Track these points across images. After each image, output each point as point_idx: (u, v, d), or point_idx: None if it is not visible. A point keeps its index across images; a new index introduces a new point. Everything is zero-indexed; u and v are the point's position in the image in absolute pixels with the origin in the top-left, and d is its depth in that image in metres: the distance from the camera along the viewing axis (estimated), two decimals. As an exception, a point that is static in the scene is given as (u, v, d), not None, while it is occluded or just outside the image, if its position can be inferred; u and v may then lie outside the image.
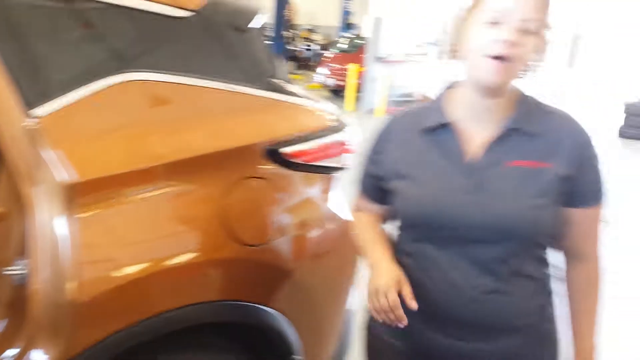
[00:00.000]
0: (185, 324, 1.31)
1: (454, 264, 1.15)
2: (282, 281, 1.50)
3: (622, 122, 10.43)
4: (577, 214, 1.18)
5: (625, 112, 10.42)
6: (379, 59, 11.20)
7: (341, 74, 12.89)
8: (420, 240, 1.20)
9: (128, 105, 1.30)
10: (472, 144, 1.16)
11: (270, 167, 1.47)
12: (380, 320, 1.12)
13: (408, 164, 1.19)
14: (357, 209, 1.39)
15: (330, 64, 13.75)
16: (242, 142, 1.42)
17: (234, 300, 1.40)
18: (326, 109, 1.71)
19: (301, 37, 22.87)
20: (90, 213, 1.18)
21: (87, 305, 1.14)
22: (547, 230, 1.16)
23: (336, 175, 1.70)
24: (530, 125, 1.14)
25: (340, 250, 1.71)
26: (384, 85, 10.97)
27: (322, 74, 13.73)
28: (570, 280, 1.26)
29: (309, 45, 21.03)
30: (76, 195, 1.15)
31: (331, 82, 13.44)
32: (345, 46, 14.37)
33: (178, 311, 1.29)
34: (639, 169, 8.15)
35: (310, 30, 22.79)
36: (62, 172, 1.13)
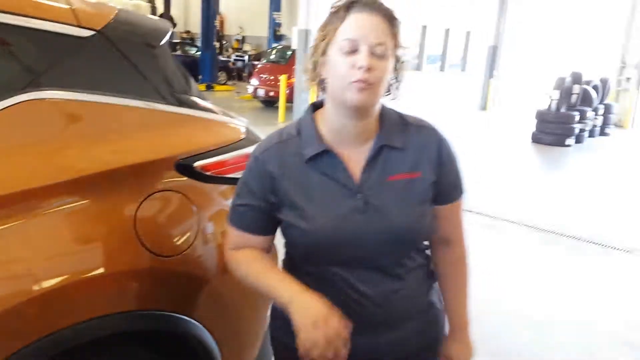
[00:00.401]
0: (101, 334, 1.33)
1: (358, 277, 1.23)
2: (199, 290, 1.54)
3: (534, 128, 11.09)
4: (445, 209, 1.32)
5: (536, 118, 11.09)
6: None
7: (272, 85, 12.96)
8: (320, 262, 1.25)
9: (35, 122, 1.31)
10: (352, 166, 1.22)
11: (182, 180, 1.51)
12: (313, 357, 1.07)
13: (299, 195, 1.22)
14: (235, 248, 1.31)
15: (261, 75, 13.80)
16: (154, 156, 1.45)
17: (150, 310, 1.42)
18: (238, 123, 1.77)
19: (232, 48, 22.73)
20: (2, 227, 1.19)
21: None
22: (427, 230, 1.29)
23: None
24: (396, 140, 1.23)
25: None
26: (314, 95, 11.13)
27: (253, 85, 13.77)
28: (441, 265, 1.39)
29: (240, 56, 20.97)
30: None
31: (262, 92, 13.49)
32: (276, 57, 14.48)
33: (93, 321, 1.31)
34: (546, 170, 8.72)
35: (241, 41, 22.71)
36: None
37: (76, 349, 1.28)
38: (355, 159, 1.22)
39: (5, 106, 1.26)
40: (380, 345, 1.29)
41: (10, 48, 1.33)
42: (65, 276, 1.26)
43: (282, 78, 11.60)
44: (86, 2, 1.55)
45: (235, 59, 20.54)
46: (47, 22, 1.36)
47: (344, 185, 1.21)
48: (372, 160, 1.22)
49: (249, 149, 1.70)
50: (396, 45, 1.17)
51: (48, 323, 1.24)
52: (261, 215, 1.27)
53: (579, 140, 11.08)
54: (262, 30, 19.07)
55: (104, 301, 1.33)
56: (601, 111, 12.28)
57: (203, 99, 1.75)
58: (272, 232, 1.32)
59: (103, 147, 1.39)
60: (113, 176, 1.37)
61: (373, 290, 1.24)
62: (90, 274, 1.30)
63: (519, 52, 18.88)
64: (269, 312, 1.45)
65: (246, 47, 22.38)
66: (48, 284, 1.23)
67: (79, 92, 1.39)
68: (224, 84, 18.11)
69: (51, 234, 1.27)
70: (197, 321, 1.52)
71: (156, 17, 1.83)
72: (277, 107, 11.88)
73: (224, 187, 1.64)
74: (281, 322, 1.28)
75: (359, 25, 1.13)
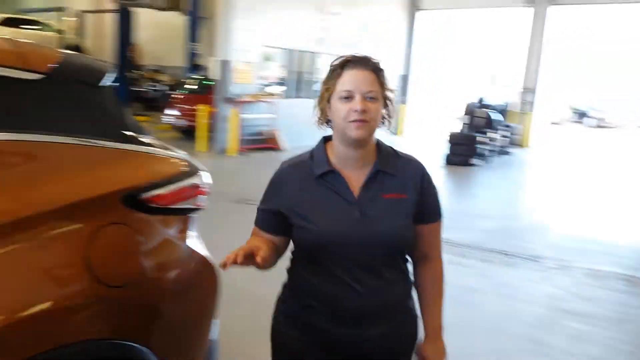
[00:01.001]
0: None
1: (350, 273, 1.52)
2: (148, 318, 1.63)
3: (447, 151, 11.80)
4: (425, 229, 1.62)
5: (449, 141, 11.82)
6: (228, 100, 11.46)
7: (191, 115, 12.88)
8: (321, 259, 1.54)
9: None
10: (352, 184, 1.54)
11: (129, 213, 1.61)
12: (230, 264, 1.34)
13: (310, 204, 1.53)
14: (253, 233, 1.64)
15: (180, 105, 13.69)
16: (100, 191, 1.55)
17: (103, 339, 1.50)
18: (179, 156, 1.90)
19: (146, 78, 22.33)
20: None
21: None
22: (410, 241, 1.60)
23: (192, 215, 1.89)
24: (389, 168, 1.56)
25: (201, 284, 1.88)
26: (235, 125, 11.23)
27: (171, 115, 13.62)
28: (420, 277, 1.67)
29: (154, 86, 20.64)
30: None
31: (182, 123, 13.38)
32: (194, 87, 14.44)
33: (47, 354, 1.38)
34: (456, 187, 9.33)
35: (157, 71, 22.37)
36: None
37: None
38: (356, 179, 1.55)
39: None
40: (363, 339, 1.56)
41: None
42: (17, 311, 1.33)
43: (203, 108, 11.61)
44: (32, 45, 1.64)
45: (150, 89, 20.21)
46: None
47: (345, 199, 1.52)
48: (369, 181, 1.54)
49: (192, 180, 1.84)
50: (384, 90, 1.51)
51: (12, 353, 1.30)
52: (272, 218, 1.59)
53: (485, 159, 11.89)
54: (178, 60, 18.91)
55: (59, 332, 1.40)
56: (504, 132, 13.26)
57: (144, 134, 1.86)
58: (281, 234, 1.60)
59: (52, 186, 1.48)
60: (63, 213, 1.46)
61: (362, 286, 1.52)
62: (44, 307, 1.37)
63: (428, 80, 19.95)
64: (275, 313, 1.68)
65: (162, 77, 22.09)
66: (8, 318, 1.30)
67: (27, 133, 1.48)
68: (139, 114, 17.77)
69: (3, 270, 1.34)
70: (147, 347, 1.61)
71: (96, 58, 1.92)
72: (196, 137, 11.84)
73: (168, 217, 1.76)
74: (282, 317, 1.64)
75: (352, 79, 1.47)
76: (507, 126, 13.58)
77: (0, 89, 1.47)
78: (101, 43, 22.41)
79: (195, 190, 1.85)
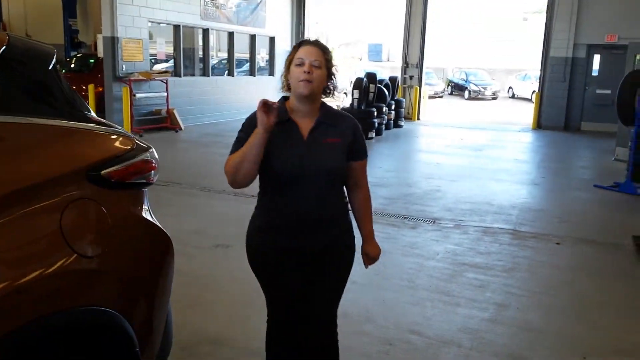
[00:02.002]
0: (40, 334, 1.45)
1: (302, 192, 2.09)
2: (118, 285, 1.70)
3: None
4: (356, 164, 2.23)
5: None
6: (119, 79, 10.97)
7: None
8: (280, 183, 2.10)
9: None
10: (302, 131, 2.11)
11: (92, 188, 1.65)
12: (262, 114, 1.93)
13: (272, 142, 2.01)
14: (229, 161, 2.08)
15: (62, 85, 12.86)
16: (67, 168, 1.58)
17: (80, 306, 1.55)
18: (127, 134, 1.93)
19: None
20: None
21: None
22: (343, 172, 2.19)
23: (145, 189, 1.94)
24: (329, 120, 2.15)
25: (159, 252, 1.96)
26: (126, 104, 10.80)
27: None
28: (354, 199, 2.32)
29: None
30: None
31: (66, 104, 12.60)
32: (77, 66, 13.63)
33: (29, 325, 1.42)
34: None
35: (30, 49, 20.68)
36: None
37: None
38: (304, 127, 2.12)
39: None
40: (314, 245, 2.16)
41: None
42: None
43: (90, 87, 11.02)
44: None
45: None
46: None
47: (298, 140, 2.09)
48: (314, 129, 2.12)
49: (142, 156, 1.90)
50: (328, 64, 2.10)
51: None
52: None
53: (378, 132, 12.48)
54: (56, 38, 17.61)
55: (41, 303, 1.45)
56: (393, 106, 13.96)
57: (90, 113, 1.87)
58: None
59: (20, 164, 1.48)
60: (35, 190, 1.48)
61: (309, 199, 2.10)
62: (26, 279, 1.41)
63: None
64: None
65: (36, 55, 20.45)
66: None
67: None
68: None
69: None
70: (119, 313, 1.67)
71: (42, 42, 1.88)
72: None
73: (126, 191, 1.81)
74: (254, 231, 2.21)
75: (305, 52, 2.07)
76: (396, 100, 14.29)
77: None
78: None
79: (147, 165, 1.91)
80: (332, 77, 2.12)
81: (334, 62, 2.14)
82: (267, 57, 16.60)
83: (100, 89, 11.44)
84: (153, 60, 12.41)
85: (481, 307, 3.78)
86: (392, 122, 13.97)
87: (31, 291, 1.41)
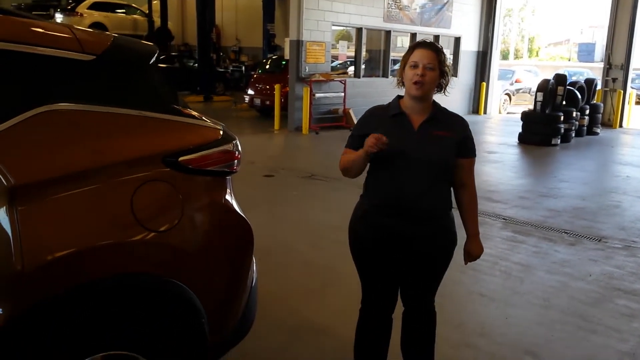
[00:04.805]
0: (115, 287, 1.74)
1: (407, 179, 2.26)
2: (186, 260, 1.90)
3: (521, 130, 11.48)
4: (464, 161, 2.37)
5: (522, 119, 11.49)
6: (301, 79, 11.74)
7: (267, 94, 13.32)
8: (387, 169, 2.29)
9: (53, 127, 1.70)
10: (414, 123, 2.31)
11: (168, 171, 1.88)
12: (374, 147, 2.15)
13: (385, 131, 2.18)
14: (344, 153, 2.39)
15: (256, 85, 14.17)
16: (146, 152, 1.84)
17: (149, 273, 1.81)
18: (215, 126, 2.13)
19: (229, 59, 23.12)
20: (33, 206, 1.59)
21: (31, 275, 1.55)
22: (450, 164, 2.32)
23: (227, 177, 2.13)
24: (440, 116, 2.34)
25: (233, 235, 2.13)
26: (306, 104, 11.51)
27: (250, 95, 14.15)
28: (460, 198, 2.44)
29: (237, 67, 21.35)
30: (19, 194, 1.56)
31: (258, 102, 13.87)
32: (270, 67, 14.87)
33: (106, 280, 1.72)
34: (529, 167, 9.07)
35: (237, 52, 23.09)
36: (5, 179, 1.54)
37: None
38: (416, 120, 2.32)
39: (29, 116, 1.64)
40: (415, 233, 2.30)
41: (27, 71, 1.70)
42: (82, 243, 1.67)
43: (277, 87, 11.98)
44: (88, 32, 1.92)
45: (232, 70, 20.97)
46: (59, 49, 1.74)
47: (408, 130, 2.30)
48: (425, 122, 2.31)
49: (225, 147, 2.08)
50: (441, 65, 2.26)
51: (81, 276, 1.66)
52: (361, 140, 2.24)
53: (565, 139, 11.42)
54: (257, 42, 19.46)
55: (113, 263, 1.74)
56: (587, 111, 12.61)
57: (186, 107, 2.12)
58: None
59: (106, 146, 1.77)
60: (115, 168, 1.76)
61: (414, 188, 2.26)
62: (104, 242, 1.72)
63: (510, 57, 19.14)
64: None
65: (242, 58, 22.82)
66: (67, 248, 1.63)
67: (84, 104, 1.77)
68: (221, 94, 18.50)
69: (76, 210, 1.68)
70: (185, 285, 1.88)
71: (145, 42, 2.19)
72: (273, 116, 12.23)
73: (205, 177, 2.01)
74: (359, 213, 2.41)
75: (419, 55, 2.25)
76: (592, 104, 12.88)
77: (62, 67, 1.76)
78: (184, 26, 23.46)
79: (228, 155, 2.09)
80: (445, 75, 2.30)
81: (447, 62, 2.32)
82: (450, 57, 16.24)
83: (287, 89, 12.36)
84: (336, 63, 13.00)
85: (621, 338, 3.32)
86: (584, 128, 12.64)
87: (106, 250, 1.71)
